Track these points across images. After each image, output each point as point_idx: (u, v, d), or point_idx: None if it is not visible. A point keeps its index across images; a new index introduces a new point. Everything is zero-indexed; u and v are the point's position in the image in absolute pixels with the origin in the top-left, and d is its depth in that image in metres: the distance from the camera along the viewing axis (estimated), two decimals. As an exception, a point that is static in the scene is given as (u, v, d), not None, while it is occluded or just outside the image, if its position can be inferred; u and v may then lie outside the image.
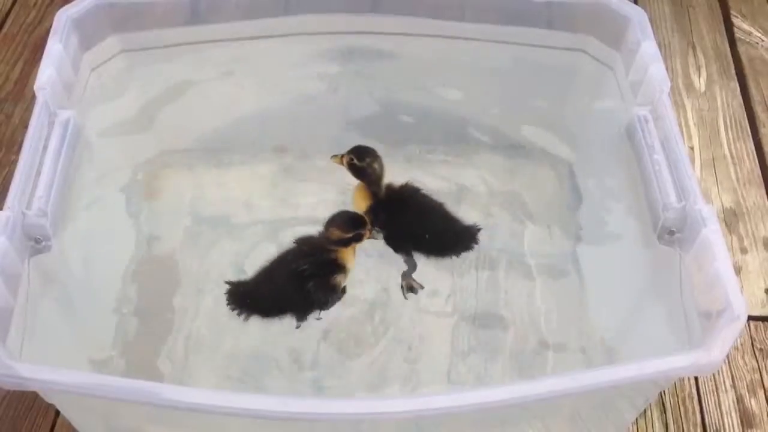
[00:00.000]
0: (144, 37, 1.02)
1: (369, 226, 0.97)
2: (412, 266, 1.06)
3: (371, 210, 1.04)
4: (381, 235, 0.98)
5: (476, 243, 1.06)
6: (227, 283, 1.00)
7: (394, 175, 1.09)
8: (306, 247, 0.98)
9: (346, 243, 0.97)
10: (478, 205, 1.14)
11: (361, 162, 1.03)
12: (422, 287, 1.04)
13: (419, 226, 1.05)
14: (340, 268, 0.98)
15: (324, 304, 0.99)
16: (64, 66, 0.93)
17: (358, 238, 0.97)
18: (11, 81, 1.30)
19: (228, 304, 0.98)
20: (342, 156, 1.03)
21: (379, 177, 1.04)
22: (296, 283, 0.96)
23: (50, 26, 0.94)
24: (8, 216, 0.79)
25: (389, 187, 1.05)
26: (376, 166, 1.03)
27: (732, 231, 1.15)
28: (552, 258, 1.09)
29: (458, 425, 0.78)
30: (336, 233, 0.97)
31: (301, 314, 0.99)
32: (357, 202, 1.05)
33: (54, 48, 0.92)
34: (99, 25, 0.99)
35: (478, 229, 1.06)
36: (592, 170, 1.11)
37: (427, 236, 1.04)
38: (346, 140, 1.08)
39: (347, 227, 0.97)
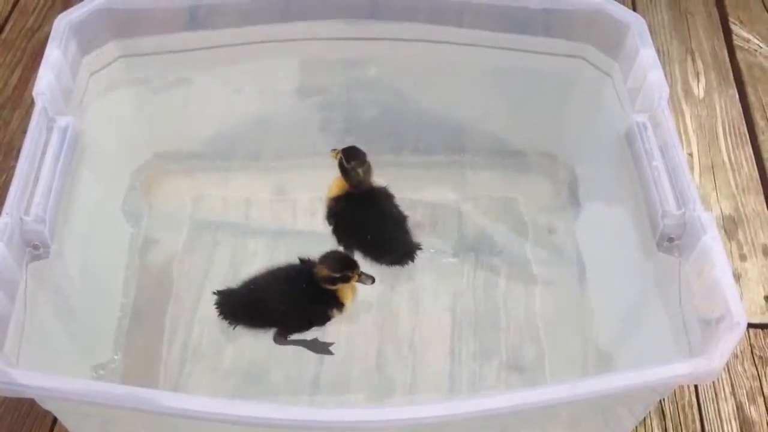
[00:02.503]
0: (143, 42, 1.02)
1: (358, 269, 0.98)
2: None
3: (337, 200, 1.06)
4: (370, 281, 0.98)
5: (411, 260, 1.06)
6: (215, 293, 1.00)
7: (390, 180, 1.09)
8: (311, 269, 0.99)
9: (333, 282, 0.97)
10: (478, 212, 1.14)
11: (348, 164, 1.05)
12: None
13: (368, 227, 1.05)
14: (338, 304, 0.99)
15: (305, 329, 1.00)
16: (63, 71, 0.93)
17: (345, 279, 0.97)
18: (10, 86, 1.30)
19: (219, 314, 0.99)
20: (337, 152, 1.06)
21: (360, 182, 1.05)
22: (293, 302, 0.98)
23: (49, 32, 0.94)
24: (6, 222, 0.79)
25: (367, 187, 1.06)
26: (359, 170, 1.05)
27: (731, 238, 1.15)
28: (551, 265, 1.09)
29: (457, 433, 0.77)
30: (324, 271, 0.97)
31: (286, 332, 0.99)
32: (332, 188, 1.07)
33: (53, 53, 0.92)
34: (98, 30, 0.99)
35: (418, 247, 1.06)
36: (590, 177, 1.11)
37: (369, 238, 1.05)
38: (344, 146, 1.08)
39: (335, 267, 0.97)
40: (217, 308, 0.99)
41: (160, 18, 1.01)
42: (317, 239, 1.08)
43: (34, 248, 0.83)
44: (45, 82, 0.89)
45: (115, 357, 0.98)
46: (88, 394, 0.69)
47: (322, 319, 1.00)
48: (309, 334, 1.00)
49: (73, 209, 0.91)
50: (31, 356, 0.79)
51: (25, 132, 0.87)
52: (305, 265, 1.00)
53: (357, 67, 1.10)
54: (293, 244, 1.08)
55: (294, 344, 0.99)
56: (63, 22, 0.95)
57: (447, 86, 1.12)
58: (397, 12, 1.04)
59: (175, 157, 1.17)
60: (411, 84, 1.12)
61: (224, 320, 0.99)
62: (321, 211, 1.10)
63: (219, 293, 1.00)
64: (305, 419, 0.67)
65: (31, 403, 0.93)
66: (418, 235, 1.09)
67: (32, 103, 0.89)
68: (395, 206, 1.08)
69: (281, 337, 0.99)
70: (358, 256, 1.04)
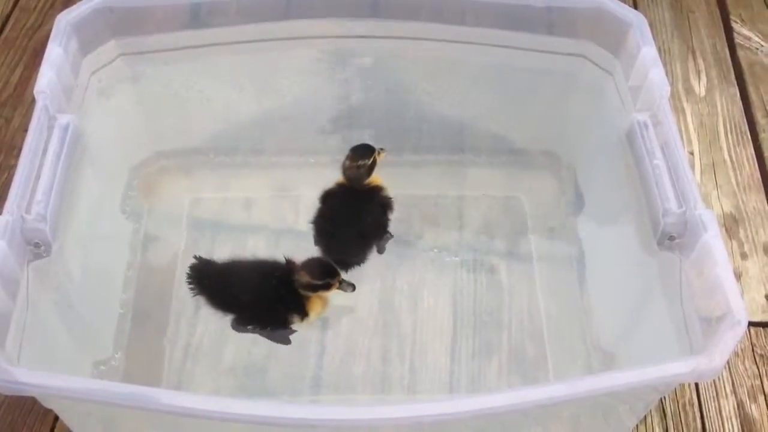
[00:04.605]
0: (144, 41, 1.02)
1: (339, 277, 0.97)
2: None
3: (332, 192, 1.06)
4: (351, 288, 0.97)
5: (358, 265, 1.04)
6: (195, 257, 1.00)
7: (392, 178, 1.09)
8: (292, 271, 0.97)
9: (314, 289, 0.97)
10: (479, 210, 1.14)
11: (352, 162, 1.05)
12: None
13: (340, 222, 1.04)
14: (302, 312, 0.97)
15: (262, 327, 0.99)
16: (64, 70, 0.93)
17: (326, 287, 0.97)
18: (11, 85, 1.30)
19: (188, 277, 0.99)
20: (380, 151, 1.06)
21: (359, 180, 1.05)
22: (261, 295, 0.97)
23: (50, 30, 0.94)
24: (7, 220, 0.79)
25: (366, 187, 1.06)
26: (361, 171, 1.05)
27: (732, 236, 1.14)
28: (552, 263, 1.09)
29: (458, 431, 0.77)
30: (305, 278, 0.96)
31: (243, 323, 0.99)
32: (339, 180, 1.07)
33: (54, 52, 0.92)
34: (99, 29, 0.98)
35: (356, 262, 1.04)
36: (592, 175, 1.11)
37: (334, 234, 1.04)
38: (346, 144, 1.08)
39: (317, 275, 0.96)
40: (188, 271, 0.99)
41: (161, 16, 1.01)
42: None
43: (36, 247, 0.83)
44: (46, 80, 0.89)
45: (116, 355, 0.98)
46: (89, 392, 0.69)
47: (282, 322, 0.98)
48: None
49: (74, 207, 0.91)
50: (32, 354, 0.79)
51: (26, 130, 0.87)
52: (287, 265, 0.98)
53: (358, 66, 1.10)
54: (293, 242, 1.09)
55: (252, 332, 0.98)
56: (64, 20, 0.95)
57: (449, 84, 1.12)
58: (398, 10, 1.03)
59: (176, 155, 1.17)
60: (413, 82, 1.12)
61: (189, 284, 0.99)
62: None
63: (198, 259, 1.00)
64: (306, 417, 0.67)
65: (33, 402, 0.93)
66: (419, 233, 1.08)
67: (33, 101, 0.89)
68: (382, 216, 1.06)
69: (239, 325, 0.98)
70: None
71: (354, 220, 1.04)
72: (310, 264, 0.97)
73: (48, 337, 0.86)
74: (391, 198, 1.07)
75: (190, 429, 0.79)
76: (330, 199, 1.06)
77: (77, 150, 0.91)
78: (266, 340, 1.00)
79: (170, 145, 1.16)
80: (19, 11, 1.41)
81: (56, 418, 0.95)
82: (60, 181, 0.86)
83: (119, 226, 1.09)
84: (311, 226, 1.06)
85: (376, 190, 1.07)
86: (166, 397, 0.68)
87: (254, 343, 0.99)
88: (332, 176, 1.07)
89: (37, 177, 0.84)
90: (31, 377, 0.69)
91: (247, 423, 0.68)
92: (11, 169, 1.15)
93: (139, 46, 1.03)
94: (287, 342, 0.98)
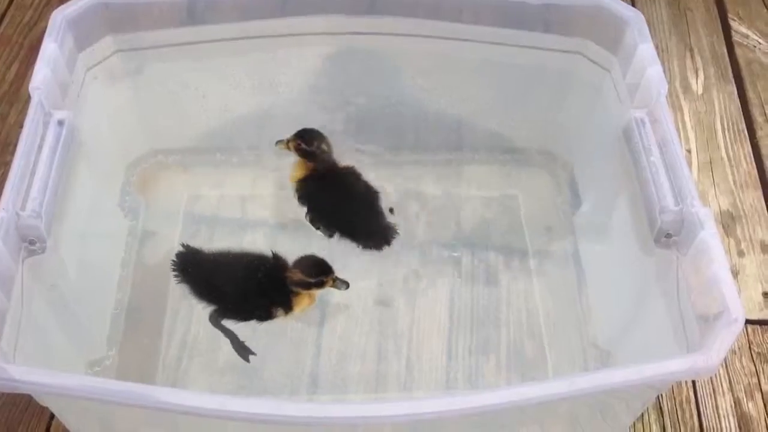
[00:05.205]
0: (140, 37, 1.02)
1: (333, 275, 0.96)
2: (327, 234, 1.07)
3: (305, 181, 1.05)
4: (345, 286, 0.96)
5: (387, 245, 1.04)
6: (182, 245, 1.00)
7: (389, 176, 1.08)
8: (279, 265, 0.97)
9: (307, 287, 0.96)
10: (476, 208, 1.14)
11: (311, 146, 1.04)
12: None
13: (342, 208, 1.05)
14: (287, 307, 0.96)
15: (244, 319, 0.98)
16: (59, 66, 0.92)
17: (320, 285, 0.96)
18: (7, 82, 1.30)
19: (173, 264, 0.98)
20: (288, 141, 1.05)
21: (328, 158, 1.05)
22: (245, 286, 0.96)
23: (46, 26, 0.93)
24: (2, 217, 0.79)
25: (332, 165, 1.06)
26: (324, 147, 1.04)
27: (729, 234, 1.14)
28: (549, 261, 1.09)
29: (455, 429, 0.77)
30: (298, 275, 0.95)
31: (225, 315, 0.98)
32: (295, 172, 1.06)
33: (49, 48, 0.91)
34: (94, 25, 0.98)
35: (395, 233, 1.05)
36: (589, 173, 1.11)
37: (345, 219, 1.04)
38: (343, 141, 1.08)
39: (311, 272, 0.95)
40: (174, 258, 0.99)
41: (157, 13, 1.01)
42: (316, 234, 1.08)
43: (31, 243, 0.83)
44: (41, 76, 0.89)
45: (111, 353, 0.98)
46: (84, 389, 0.68)
47: (265, 314, 0.97)
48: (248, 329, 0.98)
49: (70, 204, 0.91)
50: (27, 352, 0.79)
51: (22, 127, 0.86)
52: (273, 259, 0.97)
53: (355, 63, 1.10)
54: (290, 239, 1.08)
55: (221, 330, 0.97)
56: (59, 16, 0.94)
57: (446, 82, 1.12)
58: (396, 7, 1.03)
59: (173, 152, 1.17)
60: (409, 79, 1.12)
61: (173, 272, 0.98)
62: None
63: (185, 247, 1.00)
64: (302, 415, 0.67)
65: (29, 399, 0.93)
66: (416, 231, 1.09)
67: (29, 98, 0.88)
68: (365, 184, 1.06)
69: (215, 318, 0.98)
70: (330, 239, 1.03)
71: (357, 198, 1.04)
72: (304, 261, 0.97)
73: (43, 334, 0.86)
74: (353, 166, 1.07)
75: (186, 427, 0.79)
76: (320, 193, 1.05)
77: (73, 146, 0.91)
78: (263, 338, 0.99)
79: (167, 141, 1.16)
80: (15, 7, 1.41)
81: (52, 416, 0.95)
82: (55, 178, 0.86)
83: (115, 223, 1.09)
84: (309, 214, 1.05)
85: (342, 167, 1.06)
86: (162, 394, 0.68)
87: (251, 341, 0.99)
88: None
89: (32, 174, 0.84)
90: (26, 375, 0.69)
91: (244, 421, 0.68)
92: (7, 166, 1.15)
93: (135, 42, 1.02)
94: (247, 359, 0.97)
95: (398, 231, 1.06)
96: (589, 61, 1.03)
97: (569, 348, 1.01)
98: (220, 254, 0.99)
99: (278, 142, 1.05)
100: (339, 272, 0.97)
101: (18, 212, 0.81)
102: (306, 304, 0.98)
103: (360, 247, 1.05)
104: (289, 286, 0.96)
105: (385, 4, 1.03)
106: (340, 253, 1.05)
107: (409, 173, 1.16)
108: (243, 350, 0.97)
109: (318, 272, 0.96)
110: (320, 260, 0.97)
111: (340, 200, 1.05)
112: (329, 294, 1.02)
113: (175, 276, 0.99)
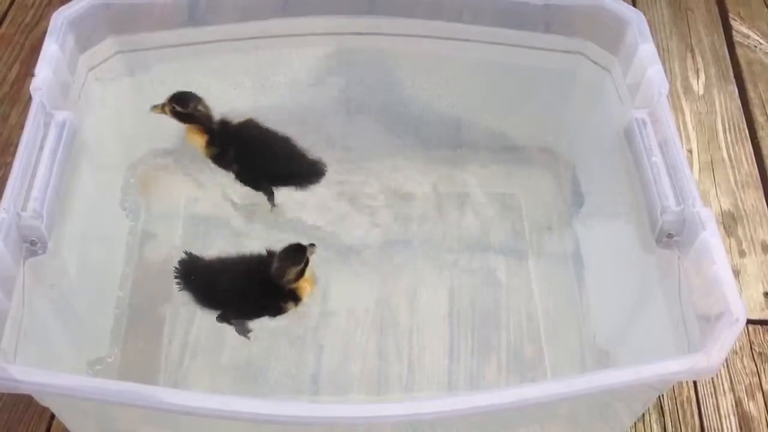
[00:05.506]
0: (141, 38, 1.02)
1: (308, 249, 0.95)
2: (272, 198, 1.07)
3: (212, 143, 1.03)
4: (314, 249, 0.95)
5: (323, 176, 1.04)
6: (185, 253, 0.99)
7: (391, 177, 1.08)
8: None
9: (300, 274, 0.95)
10: (477, 208, 1.14)
11: (186, 108, 1.01)
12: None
13: (268, 159, 1.04)
14: (296, 298, 0.96)
15: (255, 317, 0.98)
16: (61, 67, 0.92)
17: (306, 264, 0.95)
18: (8, 82, 1.30)
19: (175, 272, 0.98)
20: (163, 105, 1.02)
21: (208, 116, 1.03)
22: (252, 290, 0.96)
23: (47, 27, 0.93)
24: (3, 218, 0.79)
25: (225, 122, 1.04)
26: (201, 107, 1.02)
27: (730, 234, 1.14)
28: (550, 261, 1.09)
29: (455, 429, 0.77)
30: (293, 270, 0.94)
31: (232, 316, 0.98)
32: (193, 140, 1.04)
33: (50, 49, 0.91)
34: (95, 26, 0.98)
35: (324, 168, 1.04)
36: (590, 173, 1.11)
37: (269, 165, 1.04)
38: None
39: (298, 259, 0.94)
40: (176, 266, 0.98)
41: (158, 13, 1.01)
42: (317, 233, 1.08)
43: (32, 244, 0.83)
44: (42, 77, 0.89)
45: (112, 352, 0.98)
46: (85, 390, 0.69)
47: (275, 311, 0.97)
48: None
49: (71, 205, 0.91)
50: (28, 352, 0.79)
51: (23, 128, 0.86)
52: (269, 257, 0.96)
53: (356, 63, 1.10)
54: (290, 239, 1.07)
55: (225, 323, 0.98)
56: (60, 17, 0.94)
57: (447, 82, 1.12)
58: (396, 7, 1.03)
59: (173, 153, 1.17)
60: (410, 79, 1.12)
61: (175, 278, 0.98)
62: (319, 206, 1.10)
63: (188, 254, 0.99)
64: (304, 415, 0.67)
65: (29, 400, 0.93)
66: (417, 231, 1.09)
67: (30, 98, 0.88)
68: (272, 131, 1.05)
69: (223, 320, 0.98)
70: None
71: (273, 143, 1.04)
72: (286, 258, 0.95)
73: (44, 335, 0.86)
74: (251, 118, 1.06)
75: (188, 427, 0.79)
76: (233, 150, 1.04)
77: (74, 147, 0.91)
78: (265, 338, 0.99)
79: (168, 142, 1.16)
80: (17, 8, 1.41)
81: (53, 416, 0.95)
82: (56, 178, 0.86)
83: (116, 224, 1.09)
84: (249, 183, 1.06)
85: (240, 121, 1.05)
86: (163, 394, 0.68)
87: (252, 341, 0.99)
88: (329, 172, 1.06)
89: (34, 174, 0.84)
90: (27, 375, 0.69)
91: (244, 421, 0.68)
92: (8, 166, 1.14)
93: (136, 43, 1.02)
94: (246, 337, 0.98)
95: (326, 167, 1.04)
96: (590, 62, 1.03)
97: (570, 348, 1.01)
98: (220, 261, 0.99)
99: (153, 107, 1.02)
100: (339, 270, 0.97)
101: (19, 213, 0.81)
102: (309, 288, 0.97)
103: (297, 188, 1.05)
104: (286, 286, 0.96)
105: (385, 5, 1.03)
106: (340, 253, 1.06)
107: (409, 173, 1.16)
108: (241, 328, 0.98)
109: (300, 257, 0.94)
110: (296, 245, 0.96)
111: (258, 151, 1.04)
112: (330, 294, 1.02)
113: (178, 284, 0.98)
